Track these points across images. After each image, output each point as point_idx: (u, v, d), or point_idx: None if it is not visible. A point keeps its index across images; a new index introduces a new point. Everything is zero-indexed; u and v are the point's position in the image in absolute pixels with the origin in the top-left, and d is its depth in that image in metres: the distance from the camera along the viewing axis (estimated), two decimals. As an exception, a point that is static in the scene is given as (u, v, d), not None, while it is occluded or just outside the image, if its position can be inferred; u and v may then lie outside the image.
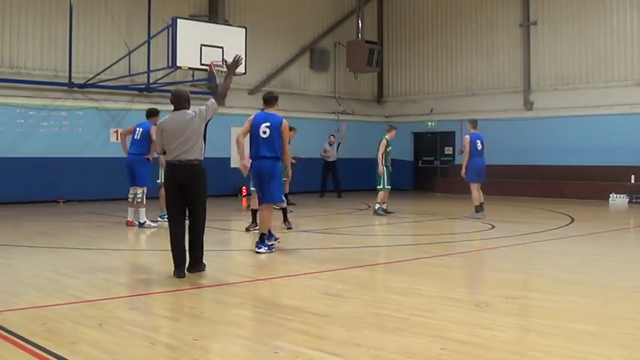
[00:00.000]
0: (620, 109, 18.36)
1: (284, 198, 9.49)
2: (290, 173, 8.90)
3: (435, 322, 4.83)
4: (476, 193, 12.88)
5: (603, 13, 18.96)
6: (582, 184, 18.43)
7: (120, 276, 7.17)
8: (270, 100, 8.40)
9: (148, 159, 11.16)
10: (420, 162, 23.51)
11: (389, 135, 13.76)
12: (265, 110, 8.36)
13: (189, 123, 6.63)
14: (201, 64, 15.17)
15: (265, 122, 8.16)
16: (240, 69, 15.76)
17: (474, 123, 13.34)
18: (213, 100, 6.82)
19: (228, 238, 10.49)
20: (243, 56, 7.28)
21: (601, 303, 5.67)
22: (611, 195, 17.84)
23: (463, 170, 13.02)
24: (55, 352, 4.04)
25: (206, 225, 6.88)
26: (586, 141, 18.83)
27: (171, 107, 6.81)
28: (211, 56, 15.13)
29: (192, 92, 19.92)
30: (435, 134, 22.90)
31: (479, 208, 12.80)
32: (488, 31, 21.46)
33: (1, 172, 15.70)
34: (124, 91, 17.64)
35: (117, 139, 16.21)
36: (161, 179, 12.19)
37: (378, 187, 13.65)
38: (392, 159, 13.82)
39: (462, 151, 21.51)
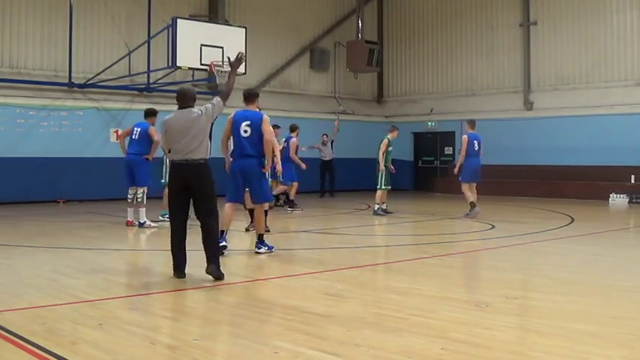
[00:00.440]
0: (620, 109, 18.36)
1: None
2: (269, 170, 8.54)
3: (435, 322, 4.83)
4: (468, 192, 12.94)
5: (603, 13, 18.97)
6: (582, 184, 18.43)
7: (120, 276, 7.17)
8: (250, 96, 8.09)
9: (148, 159, 11.15)
10: (420, 162, 23.51)
11: (391, 135, 13.77)
12: (246, 108, 8.09)
13: (196, 121, 6.52)
14: (201, 64, 15.18)
15: (245, 121, 7.90)
16: (241, 69, 15.83)
17: (472, 123, 13.40)
18: (219, 99, 6.72)
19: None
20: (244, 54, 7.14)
21: (601, 303, 5.67)
22: (611, 195, 17.84)
23: (456, 169, 13.12)
24: (55, 352, 4.04)
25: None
26: (586, 141, 18.83)
27: (171, 107, 6.76)
28: (211, 56, 15.14)
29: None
30: (435, 134, 22.90)
31: (473, 205, 12.84)
32: (488, 31, 21.46)
33: (1, 172, 15.70)
34: (124, 91, 17.64)
35: (117, 139, 16.21)
36: (166, 179, 12.21)
37: (377, 187, 13.66)
38: (392, 159, 13.82)
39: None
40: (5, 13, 16.17)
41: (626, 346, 4.29)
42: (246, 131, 7.88)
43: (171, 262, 6.51)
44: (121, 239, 10.15)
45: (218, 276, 6.28)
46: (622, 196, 17.63)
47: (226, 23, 17.91)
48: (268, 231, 10.52)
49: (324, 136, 19.41)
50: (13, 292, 6.01)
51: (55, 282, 6.45)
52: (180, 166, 6.49)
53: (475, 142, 13.08)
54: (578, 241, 10.04)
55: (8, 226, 11.60)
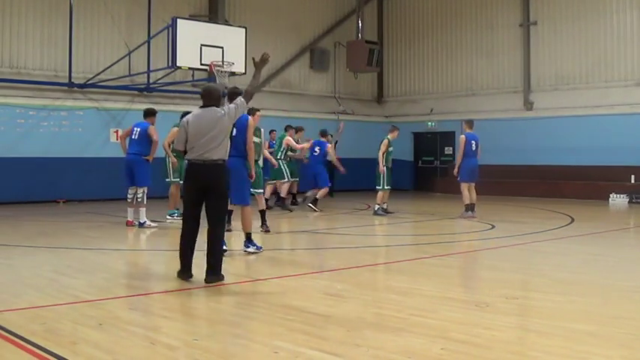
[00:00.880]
0: (620, 109, 18.36)
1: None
2: (253, 173, 8.42)
3: (435, 322, 4.83)
4: (466, 192, 12.97)
5: (603, 13, 18.97)
6: (582, 184, 18.43)
7: (120, 276, 7.18)
8: (234, 95, 7.39)
9: (148, 160, 11.15)
10: (420, 162, 23.51)
11: (391, 135, 13.77)
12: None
13: (219, 121, 6.32)
14: (201, 64, 15.19)
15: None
16: (240, 69, 15.96)
17: (470, 123, 13.42)
18: (243, 99, 6.55)
19: (227, 238, 10.46)
20: (269, 55, 6.76)
21: (601, 303, 5.67)
22: (611, 195, 17.84)
23: (456, 169, 13.14)
24: (55, 352, 4.04)
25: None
26: (586, 141, 18.82)
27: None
28: (211, 56, 15.15)
29: (192, 92, 20.09)
30: (435, 134, 22.90)
31: (469, 208, 12.87)
32: (488, 31, 21.46)
33: (1, 172, 15.69)
34: (124, 91, 17.64)
35: (117, 139, 16.21)
36: (170, 178, 12.24)
37: (377, 187, 13.66)
38: (392, 159, 13.83)
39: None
40: (5, 13, 16.17)
41: (626, 346, 4.29)
42: (232, 131, 7.81)
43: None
44: (121, 239, 10.15)
45: (218, 279, 6.27)
46: (622, 196, 17.63)
47: (226, 23, 17.91)
48: (268, 231, 10.57)
49: (329, 136, 19.40)
50: (13, 292, 6.01)
51: (55, 282, 6.45)
52: (198, 165, 6.32)
53: (473, 142, 13.10)
54: (578, 241, 10.04)
55: (8, 226, 11.60)
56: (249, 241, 8.16)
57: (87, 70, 17.09)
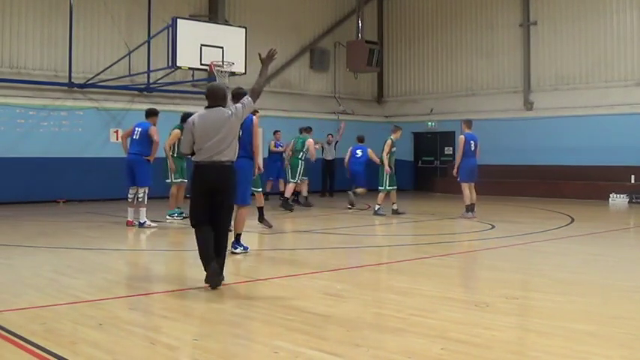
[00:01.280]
0: (620, 109, 18.36)
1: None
2: (257, 171, 8.51)
3: (435, 322, 4.83)
4: (467, 192, 12.97)
5: (603, 13, 18.97)
6: (582, 184, 18.43)
7: (120, 276, 7.17)
8: (239, 96, 7.19)
9: (149, 160, 11.15)
10: (420, 162, 23.51)
11: (394, 135, 13.78)
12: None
13: (227, 122, 6.12)
14: (201, 64, 15.19)
15: None
16: (240, 69, 15.96)
17: (469, 123, 13.42)
18: (250, 98, 6.33)
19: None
20: (274, 52, 6.54)
21: (601, 303, 5.67)
22: (611, 195, 17.84)
23: (455, 170, 13.14)
24: (55, 352, 4.04)
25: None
26: (586, 141, 18.83)
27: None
28: (211, 56, 15.15)
29: (192, 92, 20.09)
30: (435, 134, 22.90)
31: (469, 208, 12.88)
32: (488, 31, 21.46)
33: (1, 172, 15.69)
34: (124, 91, 17.64)
35: (117, 139, 16.22)
36: (171, 179, 12.25)
37: (379, 187, 13.68)
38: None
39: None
40: (5, 13, 16.17)
41: (626, 346, 4.29)
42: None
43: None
44: (121, 239, 10.15)
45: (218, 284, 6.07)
46: (622, 196, 17.63)
47: (226, 23, 17.92)
48: (271, 226, 10.68)
49: (330, 135, 19.48)
50: (13, 292, 6.01)
51: (55, 282, 6.45)
52: (206, 168, 6.11)
53: (472, 142, 13.09)
54: (578, 241, 10.04)
55: (8, 226, 11.60)
56: (237, 241, 8.14)
57: (87, 70, 17.09)
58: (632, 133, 17.94)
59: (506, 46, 21.06)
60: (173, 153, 12.14)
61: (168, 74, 16.88)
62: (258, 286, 6.50)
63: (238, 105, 6.31)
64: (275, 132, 17.45)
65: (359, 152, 15.62)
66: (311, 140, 15.10)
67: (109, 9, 17.43)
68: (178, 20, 15.01)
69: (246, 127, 7.98)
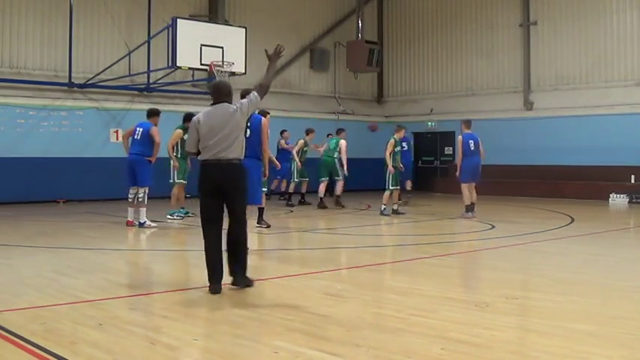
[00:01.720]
0: (620, 109, 18.35)
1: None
2: (267, 172, 8.57)
3: (435, 322, 4.83)
4: (467, 192, 12.97)
5: (603, 13, 18.96)
6: (582, 184, 18.43)
7: (120, 276, 7.18)
8: (246, 94, 7.20)
9: (151, 161, 11.14)
10: (420, 162, 23.50)
11: (397, 135, 13.78)
12: None
13: (231, 118, 5.95)
14: (201, 64, 15.20)
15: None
16: (240, 69, 15.96)
17: (468, 123, 13.41)
18: (257, 94, 6.12)
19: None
20: (281, 48, 6.56)
21: (601, 303, 5.67)
22: (611, 195, 17.84)
23: (458, 172, 13.15)
24: (55, 352, 4.04)
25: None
26: (586, 141, 18.82)
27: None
28: (211, 56, 15.15)
29: (192, 92, 20.08)
30: (435, 134, 22.90)
31: (469, 208, 12.88)
32: (488, 31, 21.45)
33: (1, 172, 15.69)
34: (124, 91, 17.63)
35: (117, 139, 16.24)
36: (173, 179, 12.25)
37: (385, 187, 13.69)
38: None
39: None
40: (5, 13, 16.17)
41: (626, 346, 4.29)
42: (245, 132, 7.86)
43: (206, 273, 5.91)
44: (121, 239, 10.15)
45: (247, 284, 6.00)
46: (622, 196, 17.63)
47: (226, 23, 17.91)
48: (269, 226, 10.66)
49: (330, 135, 19.45)
50: (13, 292, 6.01)
51: (55, 282, 6.45)
52: (212, 166, 5.91)
53: (471, 141, 13.07)
54: (578, 241, 10.04)
55: (8, 226, 11.60)
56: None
57: (87, 70, 17.08)
58: (632, 133, 17.93)
59: (506, 46, 21.05)
60: (177, 153, 12.17)
61: (168, 74, 16.87)
62: (259, 286, 6.48)
63: (244, 100, 6.15)
64: (282, 131, 17.43)
65: (404, 145, 15.02)
66: (344, 142, 15.58)
67: (109, 9, 17.43)
68: (178, 20, 15.01)
69: (255, 128, 7.97)
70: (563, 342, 4.34)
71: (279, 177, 16.86)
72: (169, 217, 12.24)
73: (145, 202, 11.10)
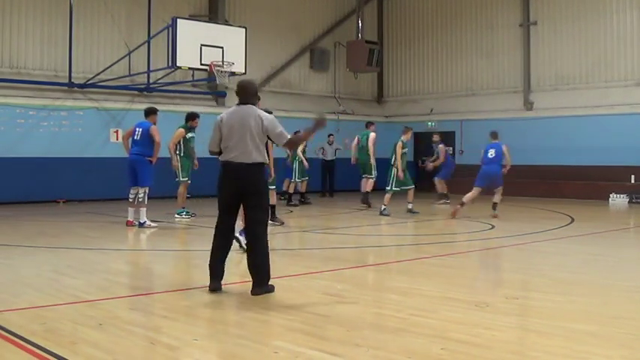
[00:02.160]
0: (620, 109, 18.35)
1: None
2: (273, 172, 8.72)
3: (435, 322, 4.83)
4: (470, 194, 13.06)
5: (603, 13, 18.96)
6: (582, 184, 18.43)
7: (120, 276, 7.18)
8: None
9: (152, 161, 11.15)
10: (420, 162, 23.46)
11: (405, 137, 13.82)
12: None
13: (256, 122, 5.79)
14: (201, 64, 15.17)
15: None
16: (240, 69, 15.95)
17: (494, 135, 13.62)
18: (284, 140, 5.89)
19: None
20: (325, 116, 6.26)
21: (601, 303, 5.67)
22: (611, 195, 17.85)
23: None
24: (55, 352, 4.04)
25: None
26: (586, 141, 18.82)
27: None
28: (211, 56, 15.14)
29: (192, 92, 20.05)
30: (434, 134, 22.83)
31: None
32: (488, 31, 21.45)
33: (1, 172, 15.69)
34: (124, 91, 17.63)
35: (117, 140, 16.24)
36: (179, 177, 12.28)
37: (404, 187, 13.74)
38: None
39: (462, 152, 21.68)
40: (5, 13, 16.17)
41: (626, 346, 4.29)
42: None
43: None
44: (121, 239, 10.15)
45: (267, 290, 5.85)
46: (622, 196, 17.64)
47: (226, 23, 17.90)
48: (283, 223, 10.91)
49: (330, 136, 19.50)
50: (13, 292, 6.01)
51: (55, 282, 6.45)
52: (231, 167, 5.81)
53: (491, 150, 13.19)
54: (578, 241, 10.04)
55: (8, 226, 11.59)
56: (241, 233, 8.09)
57: (87, 70, 17.09)
58: (632, 133, 17.93)
59: (506, 46, 21.05)
60: (179, 152, 12.19)
61: (168, 74, 16.86)
62: (258, 286, 6.48)
63: (271, 120, 5.92)
64: (295, 132, 17.35)
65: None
66: (373, 134, 15.49)
67: (109, 9, 17.43)
68: (178, 20, 15.00)
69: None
70: (564, 342, 4.34)
71: (288, 176, 16.76)
72: (177, 216, 12.28)
73: (145, 202, 11.10)
